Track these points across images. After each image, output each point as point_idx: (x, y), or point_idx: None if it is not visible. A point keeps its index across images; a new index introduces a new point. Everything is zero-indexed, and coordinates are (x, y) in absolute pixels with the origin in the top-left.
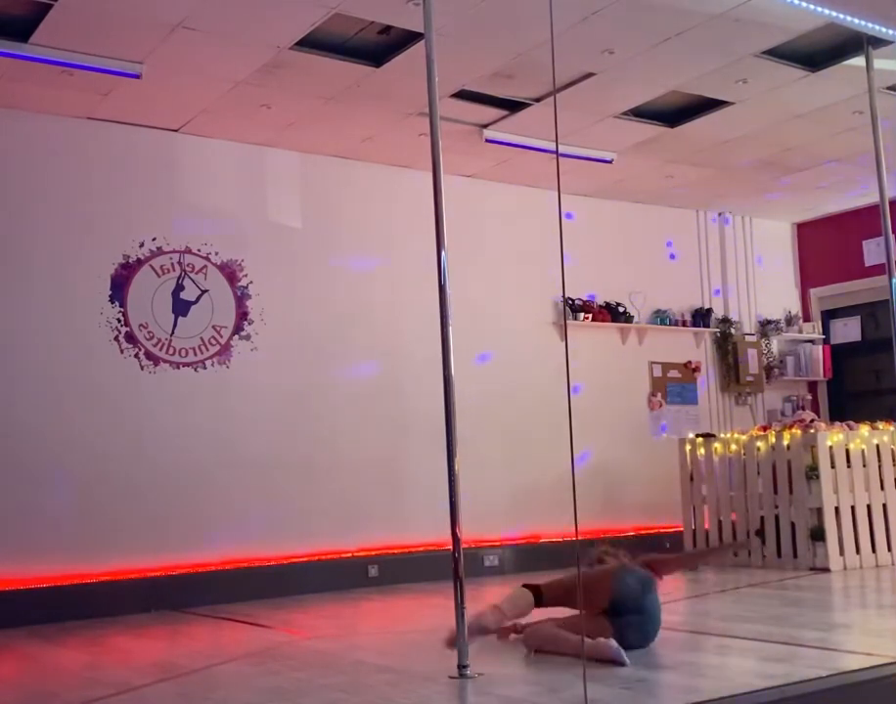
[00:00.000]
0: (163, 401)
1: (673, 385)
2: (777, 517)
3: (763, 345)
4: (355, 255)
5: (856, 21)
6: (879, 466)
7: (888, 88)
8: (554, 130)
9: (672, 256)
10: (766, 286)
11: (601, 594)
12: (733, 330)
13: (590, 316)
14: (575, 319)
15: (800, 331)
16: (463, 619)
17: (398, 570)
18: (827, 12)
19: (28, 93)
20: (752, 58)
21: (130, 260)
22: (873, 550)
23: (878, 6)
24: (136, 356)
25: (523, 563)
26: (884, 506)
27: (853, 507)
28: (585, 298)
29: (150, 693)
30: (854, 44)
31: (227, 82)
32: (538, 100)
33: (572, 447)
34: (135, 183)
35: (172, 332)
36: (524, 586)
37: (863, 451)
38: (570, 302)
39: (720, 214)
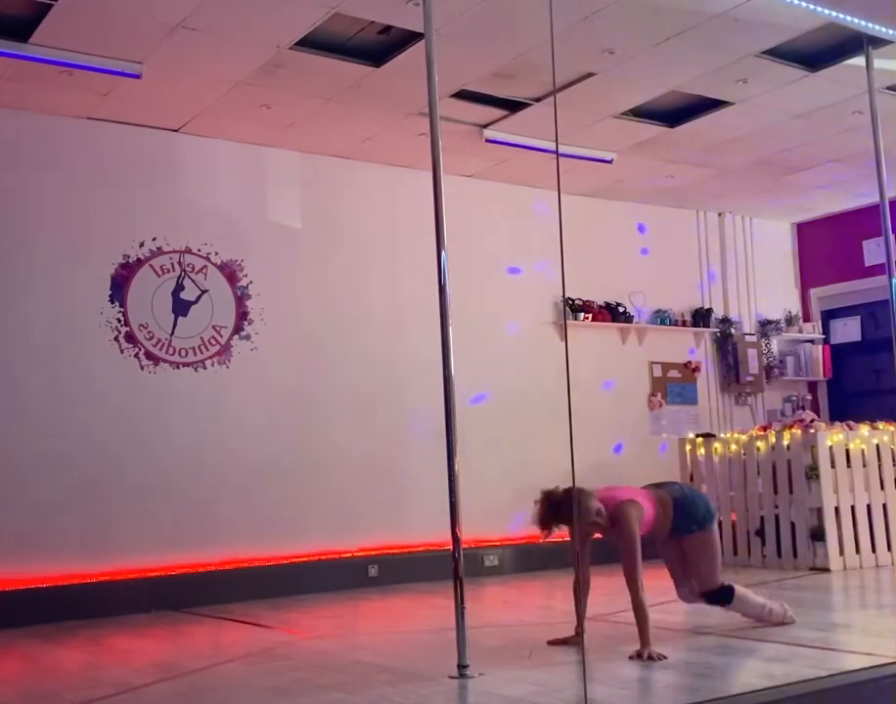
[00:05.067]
0: (163, 401)
1: (673, 385)
2: (777, 517)
3: (763, 345)
4: (355, 255)
5: (856, 21)
6: (879, 466)
7: (888, 88)
8: (554, 130)
9: (660, 253)
10: (766, 286)
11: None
12: (733, 331)
13: (590, 316)
14: (575, 319)
15: (800, 331)
16: (463, 619)
17: (398, 570)
18: (827, 12)
19: (28, 93)
20: (752, 58)
21: (130, 260)
22: (874, 550)
23: (878, 6)
24: (136, 356)
25: (523, 563)
26: (884, 505)
27: (853, 507)
28: (585, 299)
29: (150, 693)
30: (854, 44)
31: (227, 82)
32: (538, 100)
33: (572, 447)
34: (135, 183)
35: (172, 332)
36: None
37: (863, 451)
38: (570, 302)
39: (720, 214)
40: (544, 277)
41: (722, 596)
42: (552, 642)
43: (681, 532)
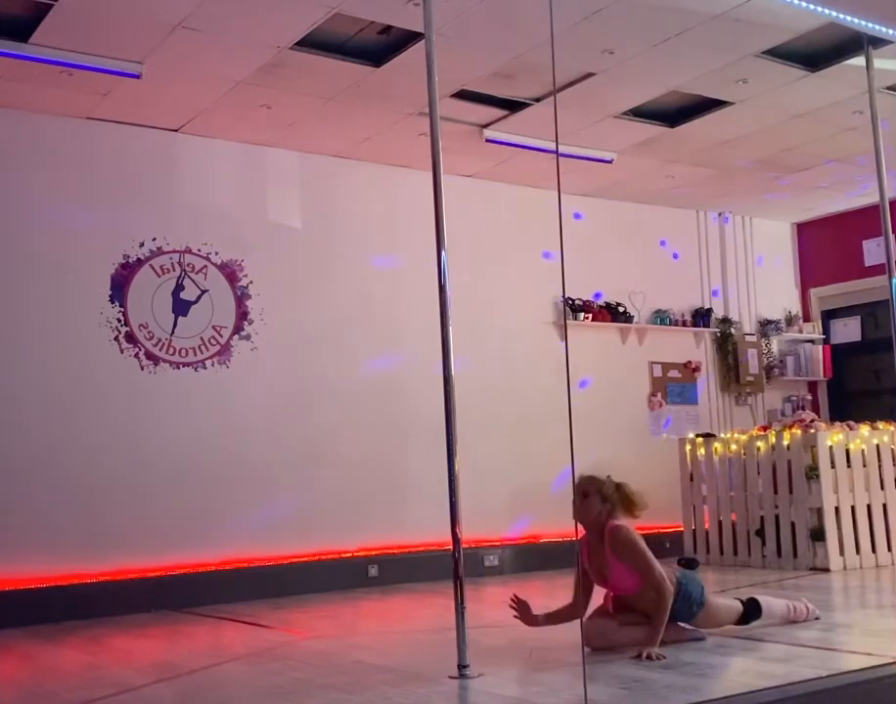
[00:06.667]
0: (163, 401)
1: (673, 385)
2: (777, 517)
3: (763, 345)
4: (355, 255)
5: (856, 21)
6: (879, 466)
7: (888, 88)
8: (554, 130)
9: (673, 256)
10: (766, 286)
11: None
12: (733, 330)
13: (590, 316)
14: (575, 319)
15: (800, 331)
16: (463, 619)
17: (398, 570)
18: (827, 12)
19: (28, 93)
20: (752, 58)
21: (130, 260)
22: (874, 550)
23: (878, 6)
24: (136, 356)
25: (523, 563)
26: (884, 505)
27: (853, 507)
28: (588, 298)
29: (150, 693)
30: (854, 44)
31: (227, 82)
32: (538, 100)
33: (572, 447)
34: (135, 183)
35: (172, 332)
36: None
37: (863, 451)
38: (570, 302)
39: (720, 214)
40: (544, 277)
41: (752, 615)
42: (524, 617)
43: (684, 619)
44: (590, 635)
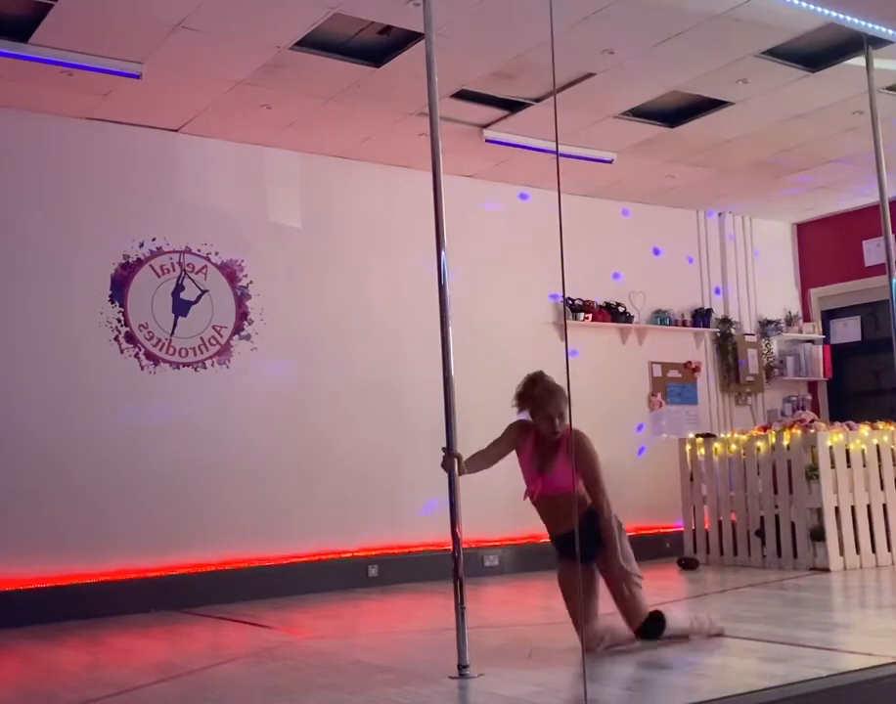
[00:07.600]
0: (163, 401)
1: (673, 385)
2: (777, 517)
3: (763, 345)
4: (355, 255)
5: (856, 21)
6: (879, 466)
7: (888, 88)
8: (554, 130)
9: (671, 256)
10: (766, 286)
11: None
12: (733, 331)
13: (590, 316)
14: (575, 319)
15: (800, 331)
16: (463, 619)
17: (398, 570)
18: (827, 12)
19: (28, 93)
20: (752, 58)
21: (130, 260)
22: (873, 550)
23: (878, 6)
24: (136, 356)
25: (523, 563)
26: (884, 505)
27: (853, 507)
28: (585, 299)
29: (150, 693)
30: (854, 44)
31: (227, 82)
32: (538, 100)
33: (572, 446)
34: (135, 183)
35: (172, 332)
36: None
37: (863, 451)
38: (570, 302)
39: (720, 214)
40: (544, 277)
41: (651, 628)
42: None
43: (588, 556)
44: (591, 640)
